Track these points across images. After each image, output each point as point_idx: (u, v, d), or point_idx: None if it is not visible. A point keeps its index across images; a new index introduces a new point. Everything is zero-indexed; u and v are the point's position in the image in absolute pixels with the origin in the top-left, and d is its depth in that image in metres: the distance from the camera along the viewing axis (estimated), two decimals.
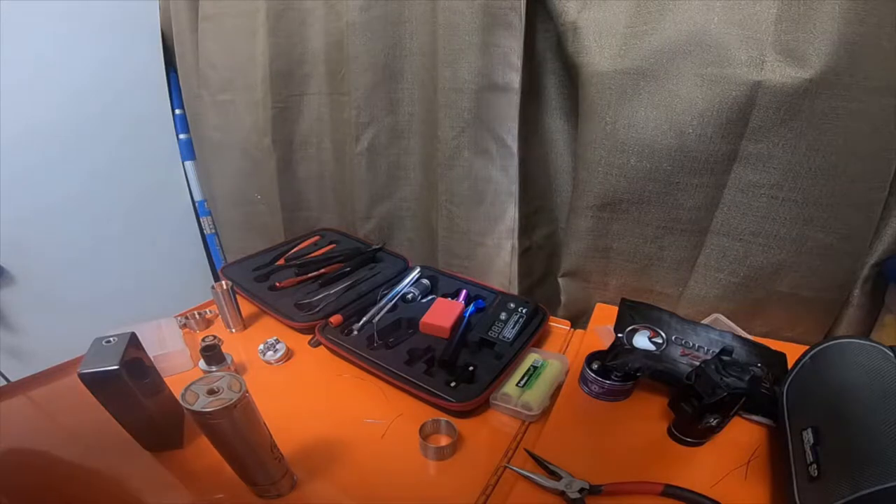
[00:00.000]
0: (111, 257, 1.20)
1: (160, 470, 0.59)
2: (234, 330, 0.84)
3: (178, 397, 0.45)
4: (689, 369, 0.59)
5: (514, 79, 0.81)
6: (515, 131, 0.85)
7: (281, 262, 1.01)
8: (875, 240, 0.72)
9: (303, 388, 0.73)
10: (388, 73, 0.94)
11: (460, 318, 0.81)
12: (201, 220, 1.37)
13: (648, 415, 0.65)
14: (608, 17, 0.69)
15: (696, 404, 0.56)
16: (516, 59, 0.79)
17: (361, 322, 0.82)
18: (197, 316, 0.85)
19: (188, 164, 1.31)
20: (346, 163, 1.10)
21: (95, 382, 0.51)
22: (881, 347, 0.53)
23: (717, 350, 0.59)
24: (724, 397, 0.53)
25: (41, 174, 1.06)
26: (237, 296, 0.84)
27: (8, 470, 0.59)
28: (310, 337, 0.82)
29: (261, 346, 0.77)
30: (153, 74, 1.19)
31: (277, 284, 0.92)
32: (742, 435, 0.61)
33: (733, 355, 0.58)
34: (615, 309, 0.73)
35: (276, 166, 1.14)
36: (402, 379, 0.68)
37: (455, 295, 0.91)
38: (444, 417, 0.63)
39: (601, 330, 0.80)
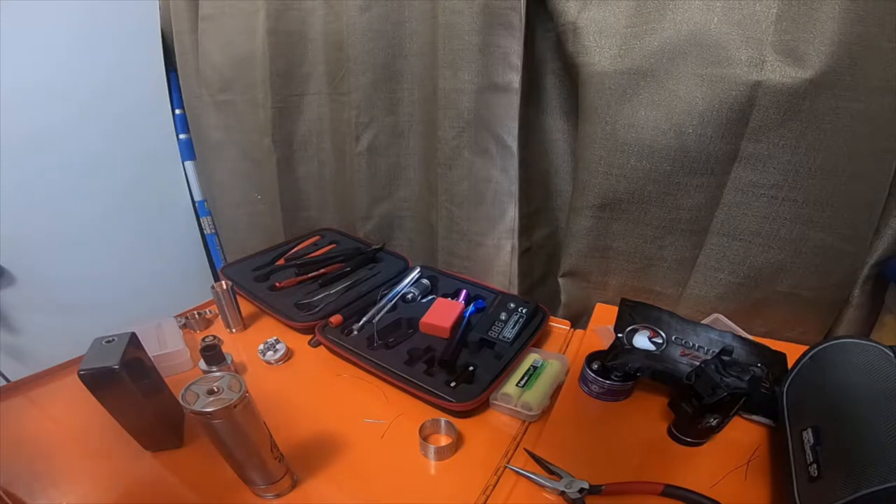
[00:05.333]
0: (111, 257, 1.20)
1: (160, 470, 0.59)
2: (234, 330, 0.84)
3: (178, 397, 0.45)
4: (689, 369, 0.59)
5: (514, 79, 0.81)
6: (515, 131, 0.85)
7: (281, 262, 1.01)
8: (875, 240, 0.72)
9: (303, 388, 0.73)
10: (388, 73, 0.94)
11: (460, 318, 0.81)
12: (201, 220, 1.37)
13: (648, 415, 0.65)
14: (608, 17, 0.69)
15: (696, 404, 0.56)
16: (516, 59, 0.79)
17: (361, 322, 0.82)
18: (197, 316, 0.85)
19: (188, 164, 1.31)
20: (346, 163, 1.10)
21: (95, 382, 0.51)
22: (881, 347, 0.53)
23: (717, 350, 0.59)
24: (724, 397, 0.53)
25: (41, 174, 1.05)
26: (237, 296, 0.84)
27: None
28: (310, 337, 0.82)
29: (261, 346, 0.77)
30: (153, 74, 1.19)
31: (277, 284, 0.92)
32: (742, 435, 0.61)
33: (733, 355, 0.58)
34: (615, 309, 0.73)
35: (276, 166, 1.14)
36: (402, 379, 0.68)
37: (455, 295, 0.91)
38: (444, 417, 0.63)
39: (601, 330, 0.80)
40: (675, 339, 0.68)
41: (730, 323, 0.78)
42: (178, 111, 1.26)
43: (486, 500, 0.55)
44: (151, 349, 0.67)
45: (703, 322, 0.73)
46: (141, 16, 1.14)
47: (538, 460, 0.58)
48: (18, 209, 1.02)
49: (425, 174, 1.02)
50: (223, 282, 0.81)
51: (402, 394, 0.69)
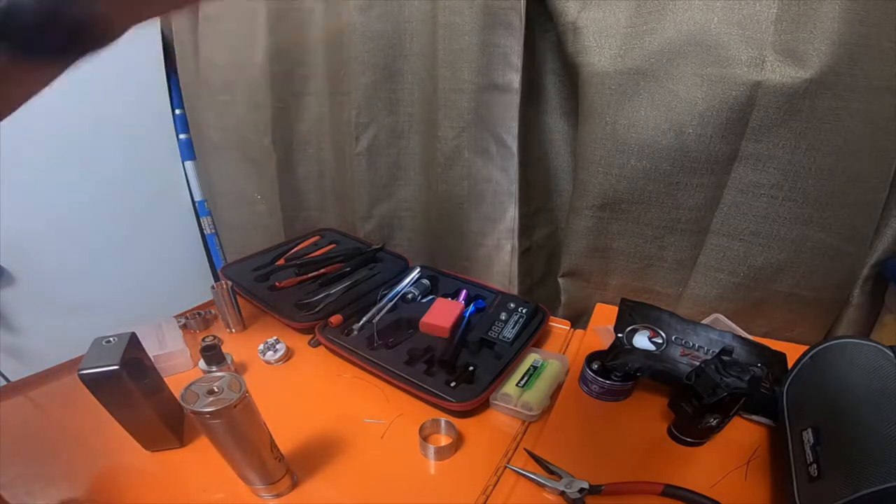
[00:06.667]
0: (111, 257, 1.20)
1: (160, 470, 0.59)
2: (234, 330, 0.84)
3: (178, 397, 0.45)
4: (689, 369, 0.59)
5: (514, 79, 0.81)
6: (515, 131, 0.85)
7: (281, 262, 1.01)
8: (875, 240, 0.72)
9: (303, 388, 0.73)
10: (388, 73, 0.94)
11: (460, 318, 0.81)
12: (201, 220, 1.37)
13: (648, 415, 0.65)
14: (608, 17, 0.69)
15: (696, 404, 0.56)
16: (516, 59, 0.79)
17: (361, 322, 0.82)
18: (197, 316, 0.85)
19: (188, 164, 1.31)
20: (346, 163, 1.10)
21: (95, 382, 0.51)
22: (881, 347, 0.53)
23: (717, 350, 0.59)
24: (724, 397, 0.53)
25: (41, 174, 1.06)
26: (237, 296, 0.84)
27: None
28: (310, 337, 0.82)
29: (261, 346, 0.77)
30: (153, 74, 1.19)
31: (277, 284, 0.92)
32: (742, 435, 0.61)
33: (733, 355, 0.58)
34: (615, 309, 0.73)
35: (276, 166, 1.14)
36: (402, 379, 0.68)
37: (455, 295, 0.91)
38: (444, 417, 0.63)
39: (601, 330, 0.80)
40: (675, 339, 0.68)
41: (730, 323, 0.78)
42: (178, 111, 1.26)
43: (486, 500, 0.55)
44: (151, 349, 0.67)
45: (703, 322, 0.73)
46: None
47: (538, 460, 0.58)
48: (18, 209, 1.02)
49: (425, 174, 1.02)
50: (223, 282, 0.81)
51: (402, 394, 0.69)
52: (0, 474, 0.57)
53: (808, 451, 0.49)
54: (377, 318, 0.83)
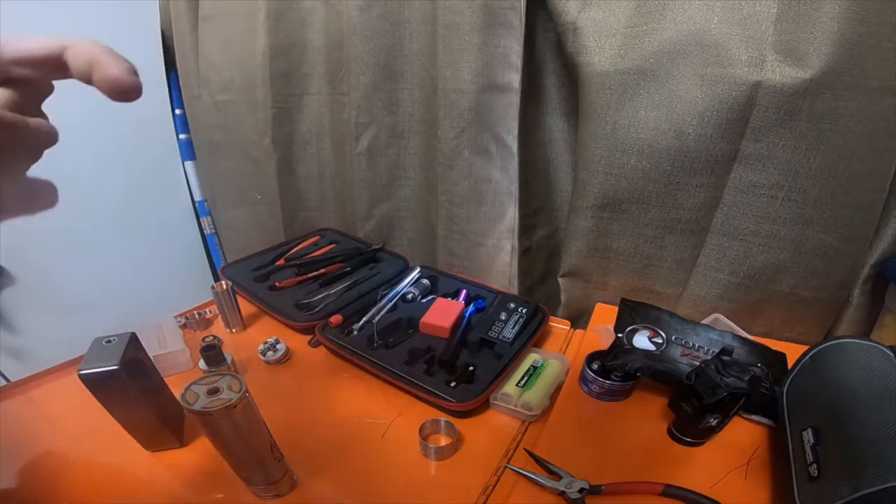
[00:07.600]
0: (111, 257, 1.20)
1: (160, 470, 0.59)
2: (234, 330, 0.84)
3: (178, 397, 0.45)
4: (689, 369, 0.59)
5: (514, 79, 0.81)
6: (515, 131, 0.85)
7: (281, 262, 1.01)
8: (875, 240, 0.72)
9: (303, 388, 0.73)
10: (388, 73, 0.94)
11: (460, 318, 0.81)
12: (201, 220, 1.37)
13: (648, 415, 0.65)
14: (608, 17, 0.69)
15: (696, 404, 0.56)
16: (516, 59, 0.79)
17: (361, 322, 0.82)
18: (197, 316, 0.85)
19: (188, 164, 1.31)
20: (346, 163, 1.10)
21: (95, 382, 0.51)
22: (881, 347, 0.53)
23: (717, 350, 0.59)
24: (724, 397, 0.53)
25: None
26: (237, 296, 0.84)
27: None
28: (310, 337, 0.82)
29: (261, 346, 0.77)
30: (153, 74, 1.19)
31: (277, 284, 0.92)
32: (742, 435, 0.61)
33: (733, 355, 0.58)
34: (615, 309, 0.73)
35: (276, 166, 1.14)
36: (402, 379, 0.68)
37: (455, 295, 0.91)
38: (444, 417, 0.63)
39: (601, 330, 0.80)
40: (675, 339, 0.68)
41: (730, 323, 0.78)
42: (178, 111, 1.26)
43: (486, 500, 0.55)
44: (151, 349, 0.68)
45: (703, 322, 0.73)
46: (141, 16, 1.14)
47: (538, 460, 0.58)
48: None
49: (425, 174, 1.02)
50: (223, 282, 0.81)
51: (402, 394, 0.69)
52: (0, 474, 0.58)
53: (808, 451, 0.49)
54: (377, 318, 0.83)
